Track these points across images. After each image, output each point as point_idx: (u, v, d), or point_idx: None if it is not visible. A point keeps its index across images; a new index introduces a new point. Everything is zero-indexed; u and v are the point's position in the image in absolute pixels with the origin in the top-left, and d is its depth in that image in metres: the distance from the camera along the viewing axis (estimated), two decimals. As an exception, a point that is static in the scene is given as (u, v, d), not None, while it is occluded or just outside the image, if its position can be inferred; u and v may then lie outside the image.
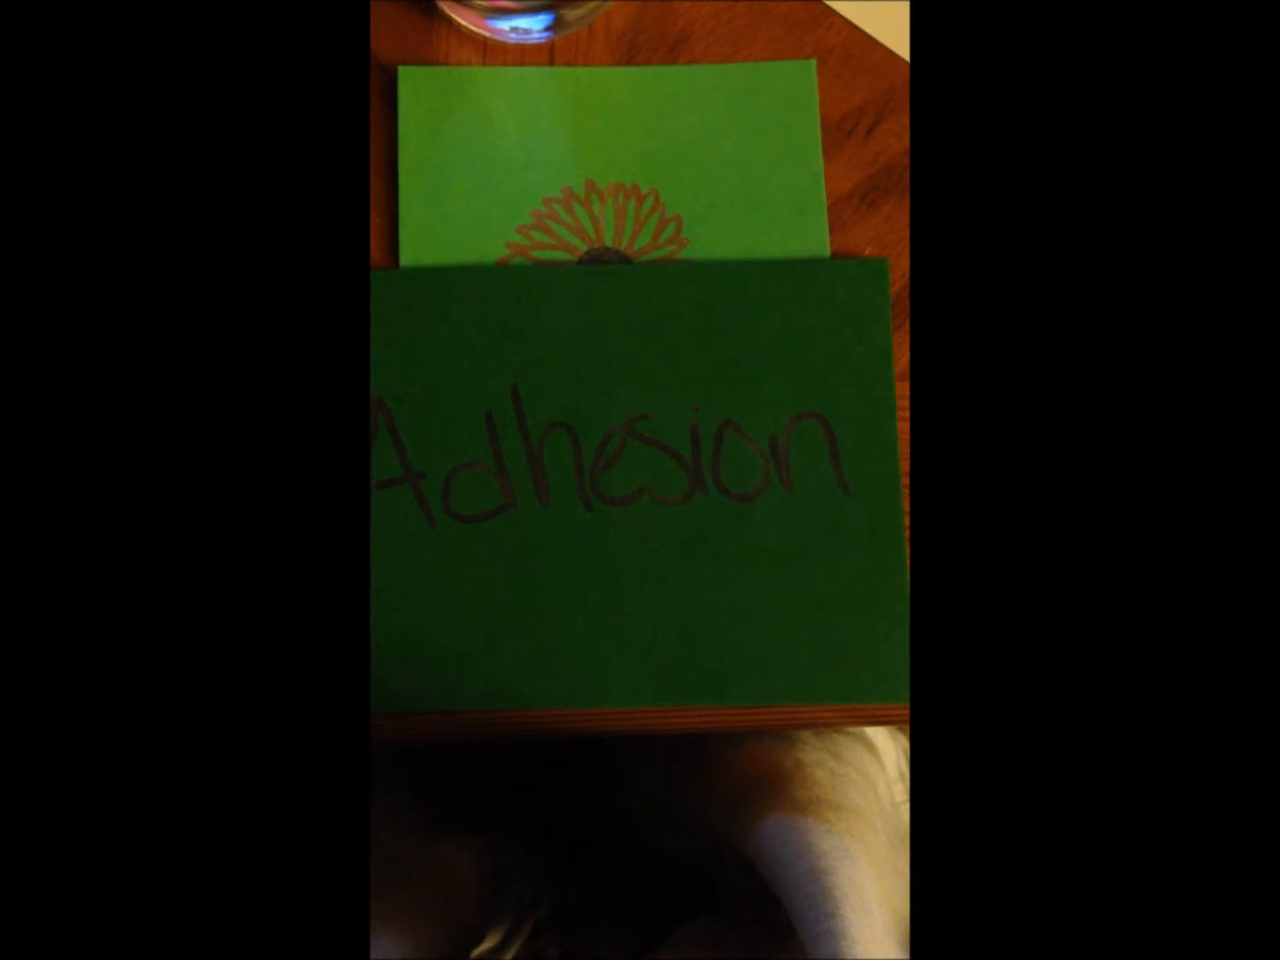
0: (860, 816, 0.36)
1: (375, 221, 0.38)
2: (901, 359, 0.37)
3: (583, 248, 0.38)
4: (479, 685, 0.35)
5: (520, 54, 0.39)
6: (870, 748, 0.45)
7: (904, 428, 0.37)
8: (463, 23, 0.39)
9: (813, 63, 0.39)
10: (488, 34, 0.39)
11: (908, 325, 0.38)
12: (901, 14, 0.39)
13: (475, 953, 0.44)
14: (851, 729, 0.44)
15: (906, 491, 0.36)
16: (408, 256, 0.37)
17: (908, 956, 0.30)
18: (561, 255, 0.38)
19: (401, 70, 0.38)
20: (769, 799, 0.37)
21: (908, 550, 0.36)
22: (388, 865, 0.40)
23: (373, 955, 0.34)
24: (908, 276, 0.38)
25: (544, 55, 0.39)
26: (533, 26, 0.39)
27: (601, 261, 0.38)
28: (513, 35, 0.39)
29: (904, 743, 0.48)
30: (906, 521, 0.36)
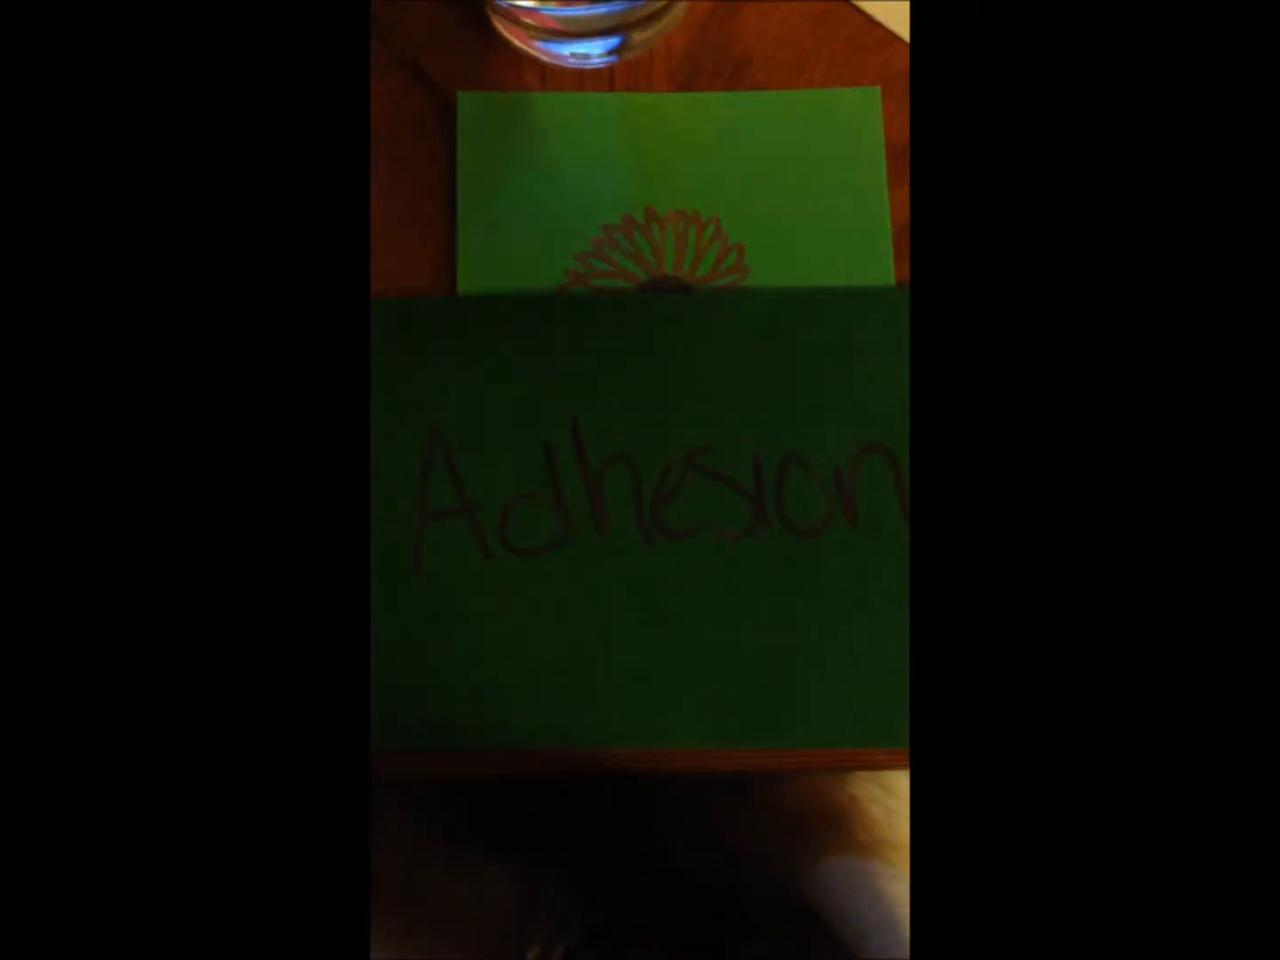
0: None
1: (433, 248, 0.37)
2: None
3: (643, 276, 0.37)
4: (534, 722, 0.35)
5: (580, 79, 0.39)
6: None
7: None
8: (522, 47, 0.39)
9: (877, 90, 0.38)
10: (546, 59, 0.39)
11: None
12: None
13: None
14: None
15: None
16: (466, 283, 0.37)
17: None
18: (621, 283, 0.37)
19: (461, 95, 0.38)
20: (828, 839, 0.36)
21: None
22: (430, 893, 0.40)
23: None
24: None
25: (604, 80, 0.39)
26: (592, 51, 0.38)
27: (662, 290, 0.37)
28: (572, 60, 0.39)
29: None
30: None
